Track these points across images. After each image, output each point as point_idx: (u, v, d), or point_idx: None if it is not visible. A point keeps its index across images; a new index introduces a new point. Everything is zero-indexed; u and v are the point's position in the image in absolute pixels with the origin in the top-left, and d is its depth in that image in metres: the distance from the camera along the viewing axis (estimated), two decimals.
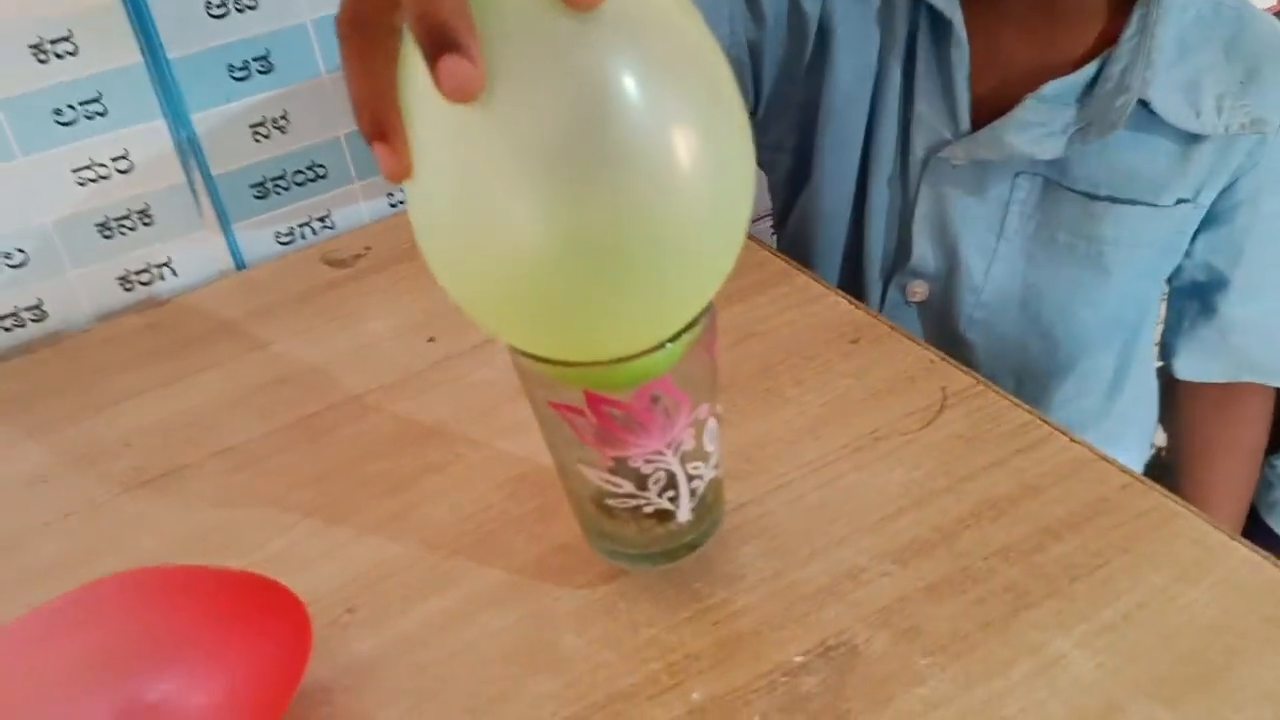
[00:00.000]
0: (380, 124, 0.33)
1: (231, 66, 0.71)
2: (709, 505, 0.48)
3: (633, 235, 0.34)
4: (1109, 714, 0.41)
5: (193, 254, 0.75)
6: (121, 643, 0.41)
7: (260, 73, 0.72)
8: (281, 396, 0.62)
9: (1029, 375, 0.76)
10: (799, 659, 0.44)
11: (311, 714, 0.44)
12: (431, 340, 0.65)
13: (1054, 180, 0.70)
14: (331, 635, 0.47)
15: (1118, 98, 0.66)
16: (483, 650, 0.46)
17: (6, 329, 0.70)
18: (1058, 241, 0.71)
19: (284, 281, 0.74)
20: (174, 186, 0.72)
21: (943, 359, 0.59)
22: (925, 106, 0.70)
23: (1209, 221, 0.73)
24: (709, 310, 0.42)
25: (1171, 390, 0.87)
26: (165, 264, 0.74)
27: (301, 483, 0.56)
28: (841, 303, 0.65)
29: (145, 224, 0.72)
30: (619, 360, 0.40)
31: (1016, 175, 0.71)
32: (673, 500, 0.46)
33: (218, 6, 0.69)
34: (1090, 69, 0.67)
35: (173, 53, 0.68)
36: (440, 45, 0.29)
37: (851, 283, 0.79)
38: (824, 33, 0.70)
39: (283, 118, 0.74)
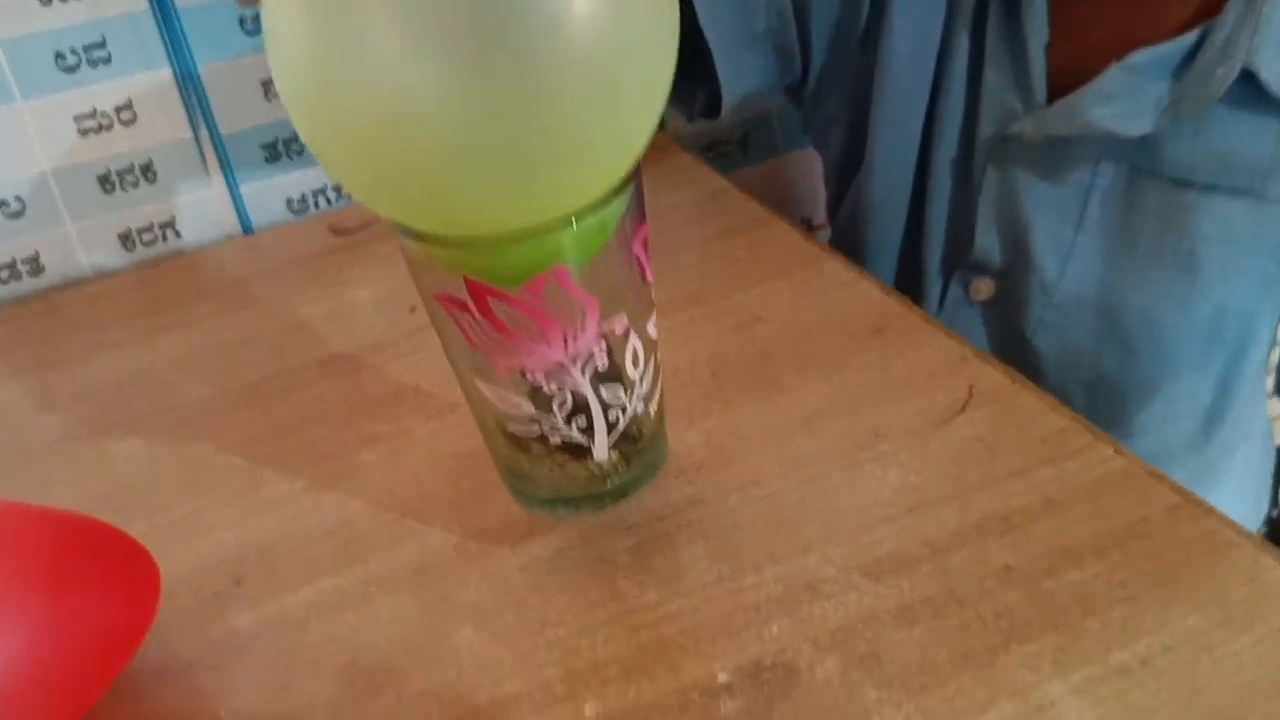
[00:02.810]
0: None
1: (243, 20, 0.67)
2: (640, 448, 0.41)
3: (507, 80, 0.29)
4: None
5: (198, 214, 0.71)
6: None
7: None
8: (242, 359, 0.57)
9: (1104, 391, 0.65)
10: (723, 678, 0.36)
11: (161, 691, 0.39)
12: (413, 310, 0.60)
13: (1142, 167, 0.60)
14: (209, 607, 0.42)
15: (1218, 67, 0.55)
16: (367, 637, 0.39)
17: (3, 280, 0.68)
18: (1144, 237, 0.61)
19: (284, 247, 0.69)
20: (180, 141, 0.69)
21: (976, 354, 0.50)
22: (995, 77, 0.61)
23: None
24: (628, 200, 0.35)
25: None
26: (169, 224, 0.71)
27: (233, 446, 0.51)
28: (873, 290, 0.56)
29: (149, 180, 0.69)
30: (503, 239, 0.34)
31: (1099, 161, 0.61)
32: (585, 431, 0.39)
33: None
34: (1190, 37, 0.57)
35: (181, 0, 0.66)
36: None
37: (910, 278, 0.70)
38: None
39: None
